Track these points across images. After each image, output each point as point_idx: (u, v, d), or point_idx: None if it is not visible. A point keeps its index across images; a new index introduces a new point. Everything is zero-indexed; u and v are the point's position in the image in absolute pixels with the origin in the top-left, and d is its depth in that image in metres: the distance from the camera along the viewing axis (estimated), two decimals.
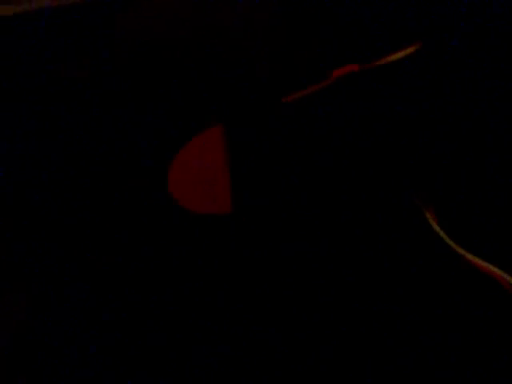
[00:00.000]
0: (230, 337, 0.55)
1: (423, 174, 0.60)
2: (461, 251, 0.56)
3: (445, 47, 0.63)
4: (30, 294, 0.59)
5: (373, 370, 0.52)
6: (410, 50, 0.63)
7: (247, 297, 0.57)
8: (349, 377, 0.52)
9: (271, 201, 0.60)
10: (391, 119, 0.62)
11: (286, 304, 0.56)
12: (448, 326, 0.54)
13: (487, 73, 0.61)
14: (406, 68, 0.63)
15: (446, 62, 0.62)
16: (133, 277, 0.58)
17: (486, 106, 0.60)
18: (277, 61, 0.64)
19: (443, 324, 0.54)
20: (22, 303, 0.59)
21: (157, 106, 0.61)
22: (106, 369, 0.54)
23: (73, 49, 0.61)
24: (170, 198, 0.60)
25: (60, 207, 0.60)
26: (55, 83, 0.61)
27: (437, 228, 0.57)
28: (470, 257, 0.56)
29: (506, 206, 0.57)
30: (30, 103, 0.59)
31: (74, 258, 0.59)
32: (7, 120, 0.60)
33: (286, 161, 0.61)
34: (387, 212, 0.59)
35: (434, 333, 0.54)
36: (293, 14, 0.65)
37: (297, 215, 0.60)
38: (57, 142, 0.60)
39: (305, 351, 0.53)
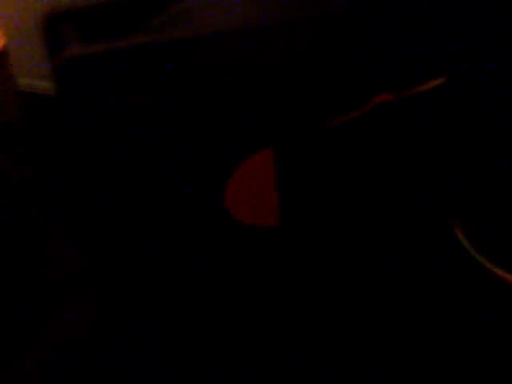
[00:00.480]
0: (261, 347, 0.71)
1: (453, 191, 0.72)
2: (489, 265, 0.66)
3: (467, 81, 0.72)
4: (100, 295, 0.71)
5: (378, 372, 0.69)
6: (437, 82, 0.72)
7: (289, 307, 0.73)
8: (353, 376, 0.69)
9: (314, 216, 0.73)
10: (423, 143, 0.73)
11: (329, 316, 0.72)
12: (475, 339, 0.65)
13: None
14: (434, 97, 0.72)
15: (468, 95, 0.72)
16: (186, 285, 0.71)
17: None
18: (320, 90, 0.71)
19: (471, 337, 0.65)
20: (92, 304, 0.71)
21: (215, 130, 0.69)
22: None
23: (140, 88, 0.65)
24: (226, 211, 0.72)
25: (123, 220, 0.69)
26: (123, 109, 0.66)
27: (466, 243, 0.68)
28: (498, 271, 0.65)
29: None
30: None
31: (137, 265, 0.70)
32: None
33: (329, 181, 0.73)
34: (419, 227, 0.73)
35: (461, 348, 0.65)
36: (332, 47, 0.70)
37: (336, 233, 0.73)
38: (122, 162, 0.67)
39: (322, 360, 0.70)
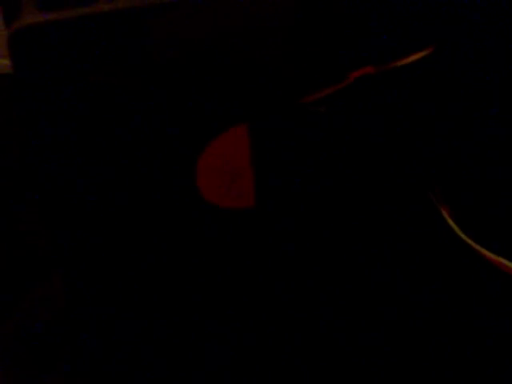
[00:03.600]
0: (244, 330, 0.68)
1: (439, 170, 0.69)
2: (476, 247, 0.64)
3: (457, 51, 0.68)
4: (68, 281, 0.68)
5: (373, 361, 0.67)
6: (423, 54, 0.68)
7: (266, 290, 0.69)
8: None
9: (293, 196, 0.69)
10: (406, 118, 0.69)
11: (305, 297, 0.69)
12: (462, 321, 0.65)
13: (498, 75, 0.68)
14: (420, 70, 0.68)
15: (458, 66, 0.68)
16: (155, 268, 0.68)
17: (500, 106, 0.68)
18: (297, 62, 0.67)
19: (457, 319, 0.65)
20: (60, 290, 0.68)
21: (183, 106, 0.65)
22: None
23: (103, 55, 0.61)
24: (197, 192, 0.68)
25: (94, 199, 0.66)
26: (85, 87, 0.62)
27: (452, 224, 0.67)
28: (485, 252, 0.64)
29: None
30: (61, 107, 0.62)
31: (103, 248, 0.67)
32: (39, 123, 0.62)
33: (306, 158, 0.69)
34: (403, 208, 0.69)
35: (447, 328, 0.67)
36: (312, 15, 0.66)
37: (315, 211, 0.69)
38: (88, 138, 0.64)
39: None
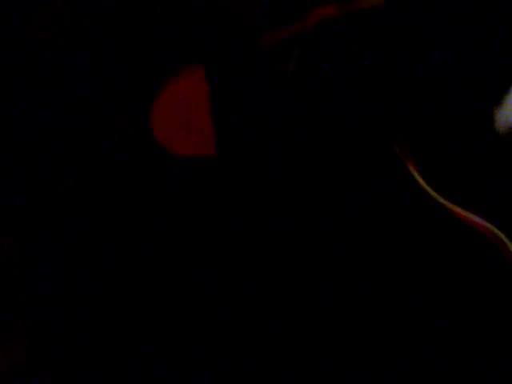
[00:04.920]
0: (210, 294, 0.63)
1: (404, 123, 0.64)
2: (442, 201, 0.62)
3: None
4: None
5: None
6: None
7: (231, 244, 0.65)
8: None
9: (254, 142, 0.66)
10: (369, 66, 0.65)
11: (267, 259, 0.64)
12: (433, 276, 0.62)
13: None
14: (386, 11, 0.65)
15: (419, 9, 0.65)
16: (117, 222, 0.64)
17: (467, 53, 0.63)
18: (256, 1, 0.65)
19: (428, 274, 0.62)
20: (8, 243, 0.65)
21: (136, 46, 0.64)
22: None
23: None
24: (154, 140, 0.65)
25: (48, 156, 0.64)
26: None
27: (418, 177, 0.63)
28: (451, 206, 0.61)
29: (487, 153, 0.62)
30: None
31: (63, 206, 0.64)
32: None
33: (266, 102, 0.66)
34: (368, 162, 0.65)
35: (419, 285, 0.61)
36: None
37: (279, 158, 0.65)
38: (36, 91, 0.63)
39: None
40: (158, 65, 0.65)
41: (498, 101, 0.61)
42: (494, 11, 0.63)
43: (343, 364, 0.61)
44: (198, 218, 0.66)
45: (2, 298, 0.63)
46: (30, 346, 0.63)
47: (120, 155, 0.66)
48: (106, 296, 0.63)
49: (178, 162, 0.66)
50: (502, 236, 0.59)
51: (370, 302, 0.62)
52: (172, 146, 0.66)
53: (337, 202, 0.65)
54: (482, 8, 0.63)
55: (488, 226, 0.60)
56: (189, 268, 0.64)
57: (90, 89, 0.65)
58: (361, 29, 0.65)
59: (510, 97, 0.59)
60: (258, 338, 0.62)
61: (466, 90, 0.62)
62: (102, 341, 0.63)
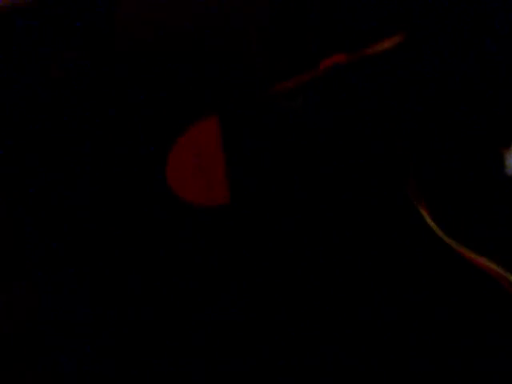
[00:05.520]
0: (226, 329, 0.64)
1: (416, 168, 0.64)
2: (454, 245, 0.61)
3: (430, 37, 0.65)
4: (36, 284, 0.66)
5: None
6: (395, 40, 0.65)
7: (245, 289, 0.65)
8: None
9: (268, 191, 0.66)
10: (380, 110, 0.65)
11: (283, 297, 0.64)
12: (443, 319, 0.61)
13: (473, 64, 0.64)
14: (392, 57, 0.65)
15: (431, 52, 0.65)
16: (131, 268, 0.65)
17: (476, 100, 0.63)
18: (267, 52, 0.66)
19: (438, 318, 0.61)
20: (28, 294, 0.66)
21: (154, 98, 0.65)
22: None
23: (71, 43, 0.63)
24: (168, 189, 0.66)
25: (61, 200, 0.66)
26: (50, 80, 0.64)
27: (430, 222, 0.62)
28: (463, 250, 0.61)
29: (500, 200, 0.62)
30: (25, 102, 0.63)
31: (75, 250, 0.65)
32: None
33: (279, 151, 0.66)
34: (381, 206, 0.65)
35: (429, 326, 0.61)
36: (282, 3, 0.66)
37: (293, 205, 0.66)
38: (55, 136, 0.64)
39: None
40: (173, 115, 0.67)
41: (508, 144, 0.60)
42: (506, 60, 0.63)
43: (343, 365, 0.61)
44: (211, 266, 0.66)
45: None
46: None
47: (134, 203, 0.67)
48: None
49: (191, 210, 0.67)
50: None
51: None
52: (186, 195, 0.67)
53: (350, 246, 0.65)
54: (494, 55, 0.63)
55: (498, 270, 0.59)
56: (198, 316, 0.64)
57: (107, 136, 0.67)
58: (372, 73, 0.65)
59: None
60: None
61: (476, 132, 0.62)
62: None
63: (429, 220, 0.62)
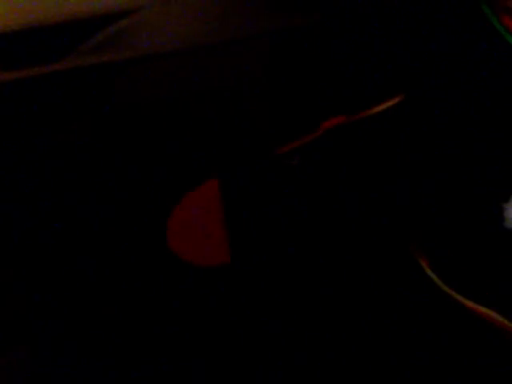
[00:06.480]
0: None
1: (416, 222, 0.64)
2: (457, 297, 0.61)
3: (426, 99, 0.66)
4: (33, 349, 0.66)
5: None
6: (392, 102, 0.66)
7: (248, 348, 0.64)
8: None
9: (268, 251, 0.66)
10: (379, 168, 0.65)
11: (286, 355, 0.63)
12: (444, 371, 0.60)
13: (470, 124, 0.64)
14: (390, 118, 0.66)
15: (427, 113, 0.66)
16: (134, 332, 0.64)
17: (472, 155, 0.63)
18: (268, 114, 0.67)
19: (440, 370, 0.60)
20: (27, 358, 0.65)
21: (154, 162, 0.66)
22: None
23: (72, 113, 0.64)
24: (169, 252, 0.66)
25: (64, 264, 0.65)
26: (54, 147, 0.65)
27: (431, 274, 0.62)
28: (466, 302, 0.60)
29: (499, 252, 0.61)
30: (31, 167, 0.64)
31: (76, 313, 0.65)
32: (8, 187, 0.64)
33: (280, 212, 0.66)
34: (382, 260, 0.64)
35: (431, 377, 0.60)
36: (283, 67, 0.67)
37: (293, 264, 0.65)
38: (57, 204, 0.65)
39: None
40: (175, 177, 0.67)
41: (507, 198, 0.60)
42: (503, 116, 0.64)
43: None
44: (212, 326, 0.66)
45: None
46: None
47: (136, 265, 0.67)
48: None
49: (192, 272, 0.67)
50: None
51: None
52: (187, 257, 0.67)
53: (351, 300, 0.64)
54: (491, 107, 0.63)
55: (501, 320, 0.58)
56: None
57: (109, 198, 0.67)
58: (371, 133, 0.66)
59: None
60: None
61: (476, 186, 0.62)
62: None
63: (429, 272, 0.61)
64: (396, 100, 0.66)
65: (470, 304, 0.60)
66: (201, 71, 0.66)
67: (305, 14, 0.67)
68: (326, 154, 0.67)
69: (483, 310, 0.59)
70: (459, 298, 0.61)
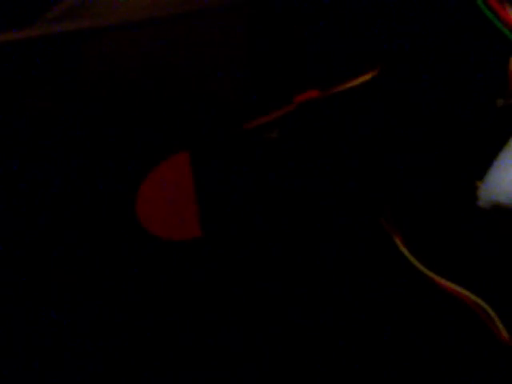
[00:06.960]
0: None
1: (390, 199, 0.64)
2: (430, 274, 0.61)
3: (401, 74, 0.66)
4: None
5: None
6: (367, 76, 0.66)
7: (220, 323, 0.64)
8: None
9: (239, 224, 0.65)
10: (352, 143, 0.65)
11: (259, 330, 0.63)
12: (418, 348, 0.61)
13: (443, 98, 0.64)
14: (364, 93, 0.65)
15: (403, 88, 0.65)
16: (103, 307, 0.64)
17: (445, 129, 0.64)
18: (240, 87, 0.66)
19: (412, 347, 0.61)
20: None
21: (122, 133, 0.64)
22: None
23: (36, 80, 0.63)
24: (139, 225, 0.65)
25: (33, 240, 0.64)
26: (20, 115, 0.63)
27: (404, 250, 0.62)
28: (438, 279, 0.61)
29: (474, 228, 0.62)
30: None
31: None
32: None
33: (250, 185, 0.66)
34: (355, 236, 0.64)
35: (403, 357, 0.61)
36: (256, 39, 0.66)
37: (266, 237, 0.65)
38: (23, 173, 0.63)
39: None
40: (143, 151, 0.66)
41: (481, 176, 0.60)
42: (481, 92, 0.64)
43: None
44: (187, 302, 0.65)
45: None
46: None
47: (104, 240, 0.66)
48: None
49: (163, 246, 0.66)
50: (490, 311, 0.59)
51: None
52: (158, 231, 0.66)
53: (324, 274, 0.64)
54: (467, 81, 0.63)
55: (472, 298, 0.59)
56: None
57: (76, 174, 0.66)
58: (345, 106, 0.66)
59: (492, 173, 0.59)
60: None
61: (450, 164, 0.63)
62: None
63: (402, 248, 0.62)
64: (370, 75, 0.66)
65: (442, 281, 0.61)
66: (172, 42, 0.65)
67: None
68: (301, 127, 0.66)
69: (456, 287, 0.60)
70: (431, 274, 0.61)
